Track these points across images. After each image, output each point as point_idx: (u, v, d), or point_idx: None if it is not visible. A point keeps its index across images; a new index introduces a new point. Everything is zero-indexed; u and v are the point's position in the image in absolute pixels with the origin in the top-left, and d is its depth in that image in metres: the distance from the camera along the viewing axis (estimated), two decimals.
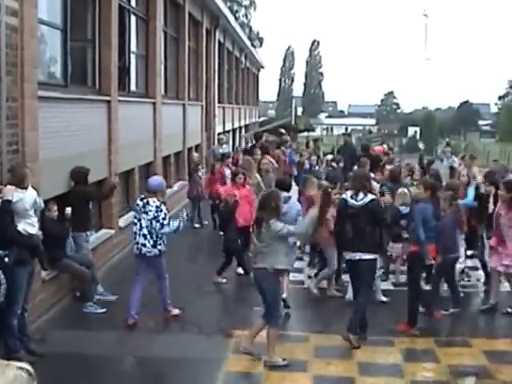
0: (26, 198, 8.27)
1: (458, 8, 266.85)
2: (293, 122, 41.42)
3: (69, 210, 10.55)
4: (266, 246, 8.47)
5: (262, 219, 8.49)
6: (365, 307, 9.44)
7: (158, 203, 9.88)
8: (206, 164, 22.74)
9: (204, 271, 12.83)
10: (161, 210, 9.84)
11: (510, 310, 10.77)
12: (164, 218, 9.83)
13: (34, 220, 8.54)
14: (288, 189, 11.35)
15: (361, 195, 9.31)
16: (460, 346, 9.32)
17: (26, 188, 8.32)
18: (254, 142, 25.55)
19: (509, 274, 11.03)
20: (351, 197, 9.38)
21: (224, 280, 12.38)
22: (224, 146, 22.11)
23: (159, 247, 9.88)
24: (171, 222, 9.95)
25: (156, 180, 10.51)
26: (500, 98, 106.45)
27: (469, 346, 9.35)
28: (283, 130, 22.99)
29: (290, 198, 10.95)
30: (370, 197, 9.39)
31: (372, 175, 12.87)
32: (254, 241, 8.76)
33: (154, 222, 9.80)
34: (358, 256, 9.24)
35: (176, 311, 10.42)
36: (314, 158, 20.71)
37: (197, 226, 17.34)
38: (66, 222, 10.52)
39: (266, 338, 8.58)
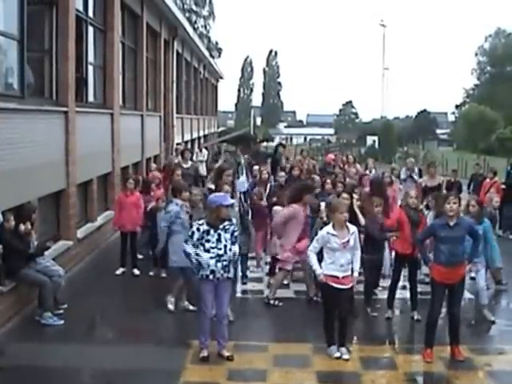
0: None
1: (416, 18, 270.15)
2: (252, 132, 41.44)
3: (28, 225, 10.37)
4: None
5: None
6: None
7: None
8: None
9: (160, 281, 12.78)
10: None
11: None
12: None
13: None
14: None
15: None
16: (419, 353, 9.38)
17: None
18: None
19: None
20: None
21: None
22: (190, 162, 19.68)
23: None
24: None
25: None
26: (457, 106, 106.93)
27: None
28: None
29: None
30: None
31: None
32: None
33: None
34: None
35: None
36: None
37: None
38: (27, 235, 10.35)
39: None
